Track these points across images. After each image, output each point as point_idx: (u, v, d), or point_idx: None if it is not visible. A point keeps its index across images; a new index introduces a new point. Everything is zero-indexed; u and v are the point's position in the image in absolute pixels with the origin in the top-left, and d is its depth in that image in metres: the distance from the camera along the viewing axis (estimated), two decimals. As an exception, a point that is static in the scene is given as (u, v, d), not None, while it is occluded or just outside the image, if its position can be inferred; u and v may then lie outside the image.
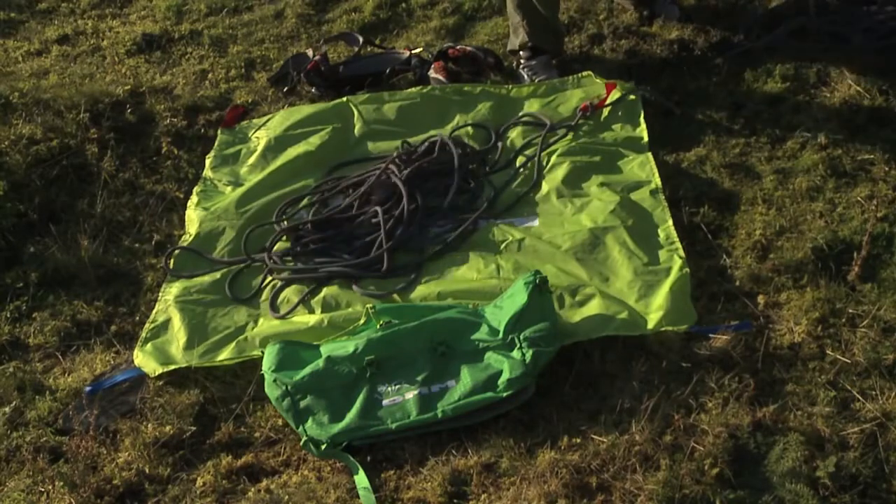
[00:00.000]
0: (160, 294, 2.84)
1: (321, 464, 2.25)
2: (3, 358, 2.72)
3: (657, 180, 2.94)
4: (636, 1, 3.81)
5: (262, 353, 2.45)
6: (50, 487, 2.25)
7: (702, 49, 3.58)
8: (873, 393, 2.17)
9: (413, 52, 3.76)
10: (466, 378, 2.30)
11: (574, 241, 2.76)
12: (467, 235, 2.86)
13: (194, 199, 3.21)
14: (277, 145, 3.38)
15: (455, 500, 2.10)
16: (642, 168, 3.01)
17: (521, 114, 3.36)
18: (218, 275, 2.88)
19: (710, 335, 2.37)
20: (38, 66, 4.20)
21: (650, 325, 2.41)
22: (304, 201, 3.11)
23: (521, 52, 3.55)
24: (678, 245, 2.68)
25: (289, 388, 2.32)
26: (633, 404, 2.22)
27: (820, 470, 1.99)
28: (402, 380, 2.33)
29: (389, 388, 2.32)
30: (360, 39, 3.92)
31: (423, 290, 2.69)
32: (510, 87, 3.55)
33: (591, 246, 2.74)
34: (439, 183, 3.03)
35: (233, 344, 2.59)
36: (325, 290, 2.74)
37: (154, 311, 2.78)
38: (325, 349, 2.43)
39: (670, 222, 2.77)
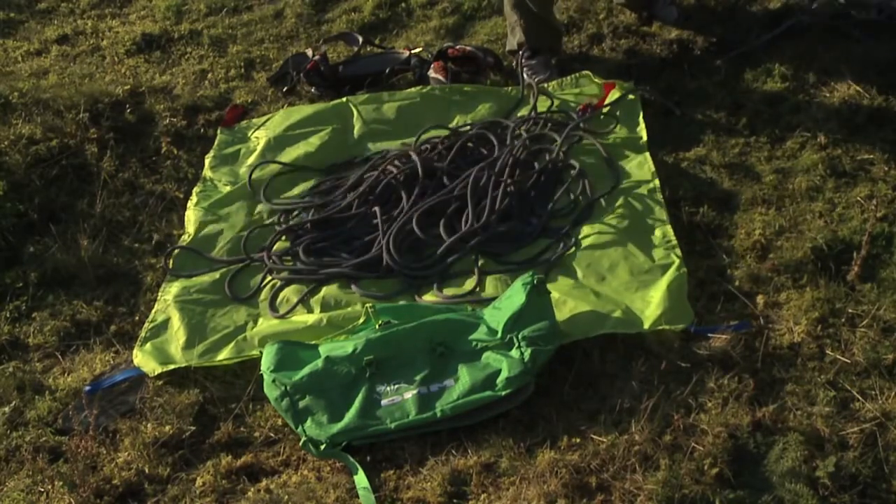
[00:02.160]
0: (159, 294, 2.84)
1: (321, 464, 2.25)
2: (3, 358, 2.72)
3: (655, 180, 2.94)
4: (634, 3, 3.80)
5: (262, 352, 2.45)
6: (50, 487, 2.25)
7: (702, 49, 3.58)
8: (873, 393, 2.18)
9: (413, 51, 3.76)
10: (465, 377, 2.30)
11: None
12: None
13: (194, 198, 3.21)
14: (277, 145, 3.38)
15: (455, 500, 2.10)
16: (640, 168, 3.01)
17: (520, 114, 3.37)
18: (217, 274, 2.88)
19: (710, 335, 2.37)
20: (38, 65, 4.20)
21: (647, 324, 2.41)
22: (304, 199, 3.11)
23: (520, 52, 3.55)
24: (675, 244, 2.68)
25: (288, 388, 2.32)
26: (633, 404, 2.22)
27: (820, 470, 1.99)
28: (400, 380, 2.33)
29: (388, 388, 2.33)
30: (360, 39, 3.92)
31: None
32: (510, 87, 3.55)
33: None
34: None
35: (232, 343, 2.59)
36: (324, 290, 2.74)
37: (153, 311, 2.78)
38: (324, 349, 2.43)
39: (668, 222, 2.77)
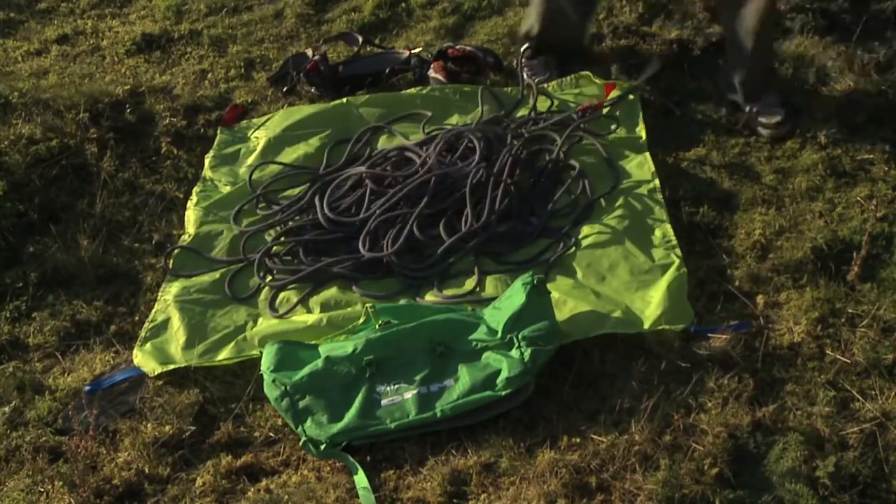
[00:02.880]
0: (159, 294, 2.84)
1: (321, 464, 2.25)
2: (3, 358, 2.72)
3: (655, 180, 2.94)
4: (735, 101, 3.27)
5: (262, 352, 2.45)
6: (49, 487, 2.25)
7: (702, 49, 3.58)
8: (873, 393, 2.18)
9: (413, 51, 3.76)
10: (465, 377, 2.30)
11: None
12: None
13: (194, 198, 3.21)
14: (277, 145, 3.38)
15: (455, 500, 2.10)
16: (640, 168, 3.02)
17: (519, 114, 3.37)
18: (217, 274, 2.88)
19: (710, 335, 2.37)
20: (38, 65, 4.20)
21: (647, 324, 2.41)
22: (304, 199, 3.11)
23: (521, 50, 3.52)
24: (675, 244, 2.69)
25: (288, 388, 2.32)
26: (633, 404, 2.22)
27: (819, 470, 1.99)
28: (400, 380, 2.33)
29: (388, 388, 2.33)
30: (360, 39, 3.92)
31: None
32: (510, 87, 3.55)
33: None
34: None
35: (232, 343, 2.59)
36: (324, 290, 2.74)
37: (153, 311, 2.78)
38: (324, 349, 2.43)
39: (668, 222, 2.77)
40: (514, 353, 2.31)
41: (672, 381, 2.27)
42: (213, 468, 2.27)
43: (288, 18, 4.33)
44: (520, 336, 2.32)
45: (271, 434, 2.34)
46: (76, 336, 2.77)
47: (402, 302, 2.64)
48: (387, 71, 3.69)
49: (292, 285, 2.78)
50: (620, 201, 2.89)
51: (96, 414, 2.40)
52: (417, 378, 2.32)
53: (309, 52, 3.84)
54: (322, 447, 2.25)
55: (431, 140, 3.20)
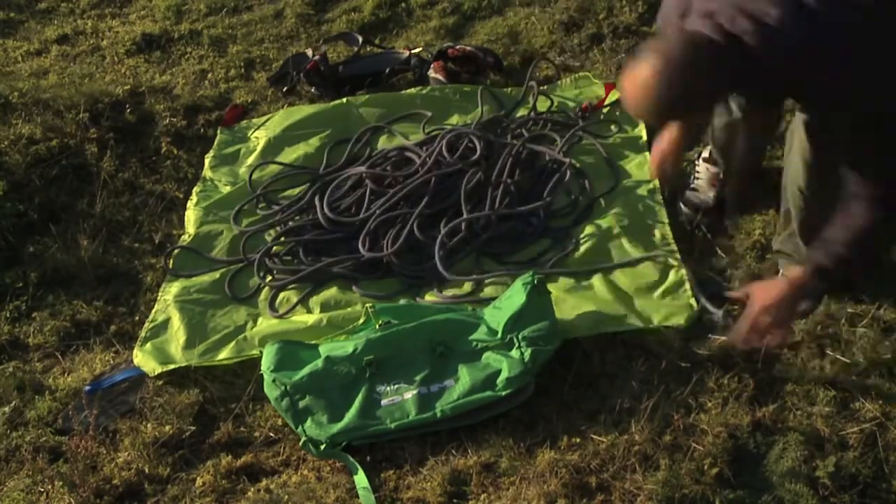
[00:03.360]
0: (159, 293, 2.84)
1: (321, 464, 2.25)
2: (3, 358, 2.72)
3: (655, 180, 2.94)
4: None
5: (262, 352, 2.45)
6: (49, 487, 2.25)
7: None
8: (873, 393, 2.18)
9: (412, 51, 3.76)
10: (465, 377, 2.30)
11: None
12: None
13: (194, 198, 3.21)
14: (277, 145, 3.38)
15: (455, 500, 2.10)
16: (640, 168, 3.02)
17: (519, 114, 3.37)
18: (217, 274, 2.89)
19: (710, 335, 2.37)
20: (38, 65, 4.20)
21: (647, 324, 2.42)
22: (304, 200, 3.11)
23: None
24: (673, 245, 2.69)
25: (288, 388, 2.32)
26: (633, 404, 2.22)
27: (819, 470, 1.99)
28: (401, 380, 2.33)
29: (388, 388, 2.33)
30: (360, 39, 3.92)
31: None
32: (509, 87, 3.55)
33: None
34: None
35: (232, 343, 2.59)
36: (324, 290, 2.74)
37: (153, 311, 2.78)
38: (324, 349, 2.43)
39: (667, 222, 2.77)
40: (515, 353, 2.31)
41: (672, 381, 2.27)
42: (213, 468, 2.27)
43: (288, 18, 4.33)
44: (520, 336, 2.32)
45: (271, 434, 2.34)
46: (76, 336, 2.77)
47: (402, 302, 2.64)
48: (387, 71, 3.69)
49: (292, 285, 2.78)
50: (620, 201, 2.89)
51: (96, 414, 2.40)
52: (417, 378, 2.32)
53: (309, 52, 3.85)
54: (322, 447, 2.25)
55: (431, 140, 3.20)
